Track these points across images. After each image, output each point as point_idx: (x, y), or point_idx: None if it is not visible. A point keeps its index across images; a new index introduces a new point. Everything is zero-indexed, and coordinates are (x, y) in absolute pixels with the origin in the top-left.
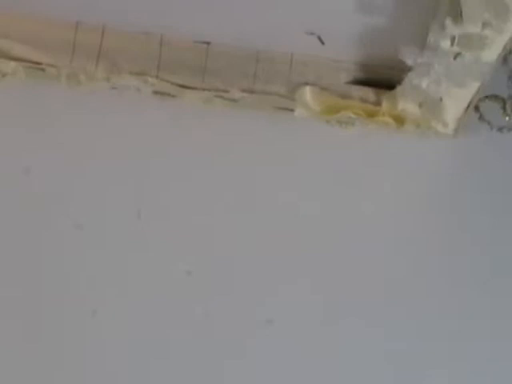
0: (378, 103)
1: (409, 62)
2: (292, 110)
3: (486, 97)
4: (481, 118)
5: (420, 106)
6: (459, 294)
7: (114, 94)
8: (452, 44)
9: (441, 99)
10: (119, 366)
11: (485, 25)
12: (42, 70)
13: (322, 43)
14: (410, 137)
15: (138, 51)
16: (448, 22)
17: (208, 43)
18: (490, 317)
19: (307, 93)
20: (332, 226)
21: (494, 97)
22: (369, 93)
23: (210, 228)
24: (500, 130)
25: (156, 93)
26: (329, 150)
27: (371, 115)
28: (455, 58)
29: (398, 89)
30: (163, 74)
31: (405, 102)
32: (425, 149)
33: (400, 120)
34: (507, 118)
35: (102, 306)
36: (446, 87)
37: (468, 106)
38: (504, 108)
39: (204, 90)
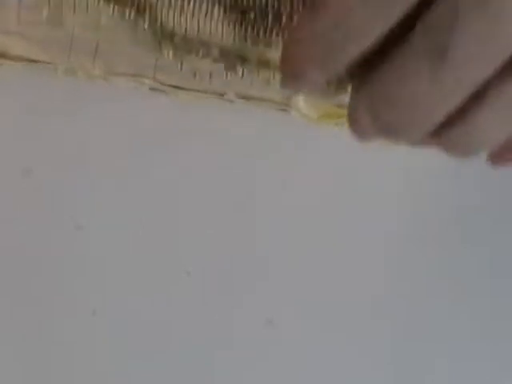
0: None
1: None
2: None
3: None
4: None
5: None
6: (459, 296)
7: (112, 89)
8: None
9: None
10: (119, 366)
11: None
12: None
13: None
14: None
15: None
16: None
17: None
18: (491, 317)
19: (300, 102)
20: (332, 225)
21: None
22: None
23: (209, 227)
24: None
25: (153, 89)
26: (327, 149)
27: None
28: None
29: None
30: (159, 75)
31: None
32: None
33: None
34: None
35: (101, 306)
36: None
37: None
38: None
39: (200, 91)
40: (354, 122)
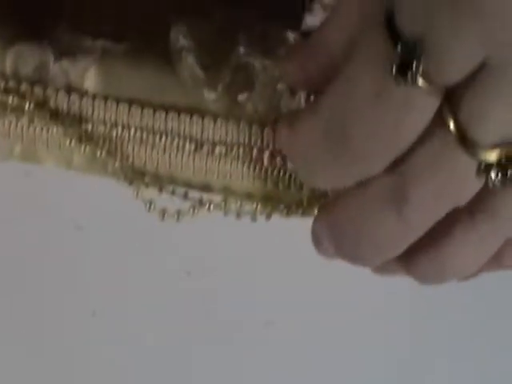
0: None
1: None
2: None
3: None
4: None
5: None
6: (459, 297)
7: None
8: None
9: None
10: (119, 366)
11: None
12: None
13: None
14: None
15: None
16: None
17: None
18: (490, 318)
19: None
20: None
21: None
22: None
23: (209, 226)
24: None
25: None
26: None
27: None
28: None
29: None
30: None
31: None
32: None
33: None
34: None
35: (101, 307)
36: None
37: None
38: None
39: None
40: (316, 243)
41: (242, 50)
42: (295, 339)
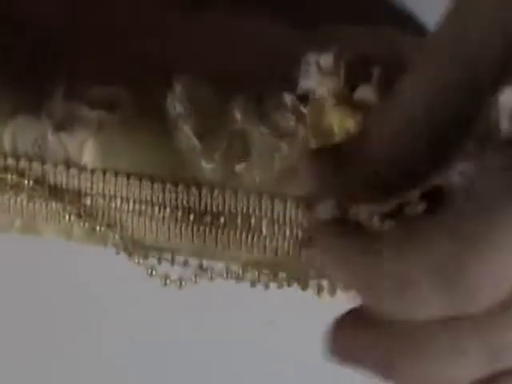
0: None
1: None
2: None
3: None
4: None
5: None
6: None
7: None
8: None
9: None
10: (119, 366)
11: None
12: None
13: None
14: None
15: None
16: None
17: None
18: None
19: None
20: None
21: None
22: None
23: None
24: None
25: None
26: None
27: None
28: None
29: None
30: None
31: None
32: None
33: None
34: None
35: (102, 306)
36: None
37: None
38: None
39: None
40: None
41: (237, 114)
42: (295, 339)
